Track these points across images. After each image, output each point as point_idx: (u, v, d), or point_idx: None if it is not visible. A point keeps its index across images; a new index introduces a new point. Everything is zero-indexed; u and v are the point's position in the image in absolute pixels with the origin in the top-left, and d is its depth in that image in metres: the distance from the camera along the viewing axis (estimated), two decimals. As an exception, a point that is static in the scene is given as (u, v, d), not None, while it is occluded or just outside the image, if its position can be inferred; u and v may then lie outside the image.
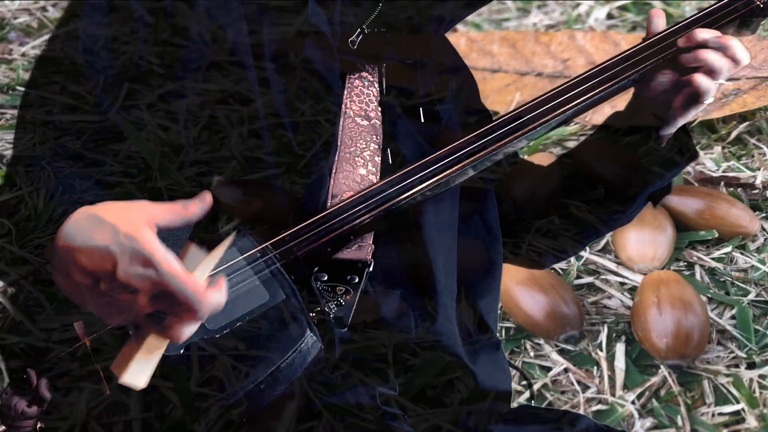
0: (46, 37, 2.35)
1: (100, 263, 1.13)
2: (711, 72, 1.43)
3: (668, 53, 1.45)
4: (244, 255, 1.32)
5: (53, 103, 1.54)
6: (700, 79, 1.43)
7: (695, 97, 1.45)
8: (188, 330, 1.17)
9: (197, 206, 1.21)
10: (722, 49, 1.43)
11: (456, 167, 1.40)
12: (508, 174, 1.80)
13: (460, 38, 2.48)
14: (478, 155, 1.41)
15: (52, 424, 1.27)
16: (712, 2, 1.50)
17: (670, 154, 1.52)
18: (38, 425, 1.26)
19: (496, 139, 1.42)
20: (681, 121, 1.49)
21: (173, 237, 1.20)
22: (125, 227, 1.13)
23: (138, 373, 1.17)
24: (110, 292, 1.13)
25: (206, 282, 1.16)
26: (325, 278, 1.37)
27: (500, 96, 2.31)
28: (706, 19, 1.48)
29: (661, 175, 1.53)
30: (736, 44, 1.44)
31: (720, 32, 1.44)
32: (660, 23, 1.49)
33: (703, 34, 1.44)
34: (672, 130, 1.50)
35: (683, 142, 1.53)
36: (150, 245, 1.13)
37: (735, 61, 1.44)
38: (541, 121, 1.42)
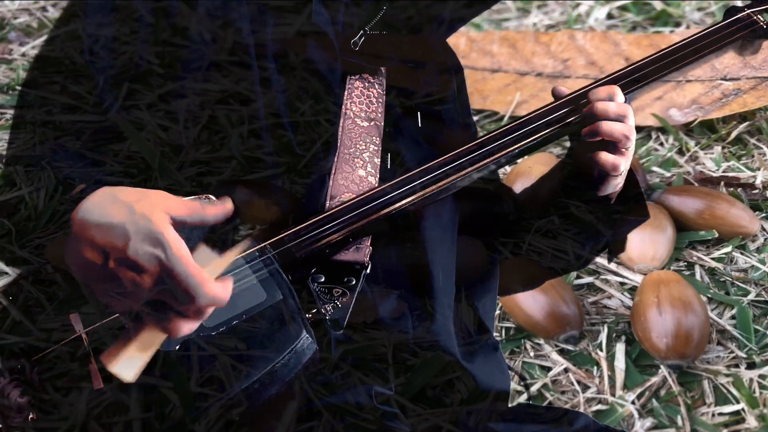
0: (46, 37, 2.35)
1: (112, 239, 1.14)
2: (611, 145, 1.42)
3: (572, 120, 1.44)
4: (243, 254, 1.32)
5: (53, 103, 1.54)
6: (604, 157, 1.42)
7: (604, 173, 1.45)
8: (186, 326, 1.17)
9: (216, 209, 1.21)
10: (620, 119, 1.41)
11: (458, 174, 1.41)
12: (508, 174, 1.80)
13: (460, 38, 2.48)
14: (480, 163, 1.41)
15: (52, 424, 1.27)
16: (715, 11, 1.50)
17: (615, 213, 1.52)
18: (30, 416, 1.26)
19: (499, 147, 1.42)
20: (607, 190, 1.48)
21: (186, 234, 1.20)
22: (141, 208, 1.14)
23: (128, 365, 1.17)
24: (118, 271, 1.14)
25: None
26: (322, 280, 1.37)
27: (500, 96, 2.31)
28: (708, 38, 1.49)
29: (606, 231, 1.54)
30: (630, 112, 1.41)
31: (619, 92, 1.42)
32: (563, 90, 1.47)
33: (599, 95, 1.42)
34: (612, 189, 1.49)
35: (632, 195, 1.53)
36: (162, 227, 1.14)
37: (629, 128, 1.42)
38: (545, 131, 1.43)
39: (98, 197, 1.17)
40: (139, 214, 1.14)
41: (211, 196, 1.32)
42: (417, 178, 1.40)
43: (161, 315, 1.16)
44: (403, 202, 1.39)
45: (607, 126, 1.40)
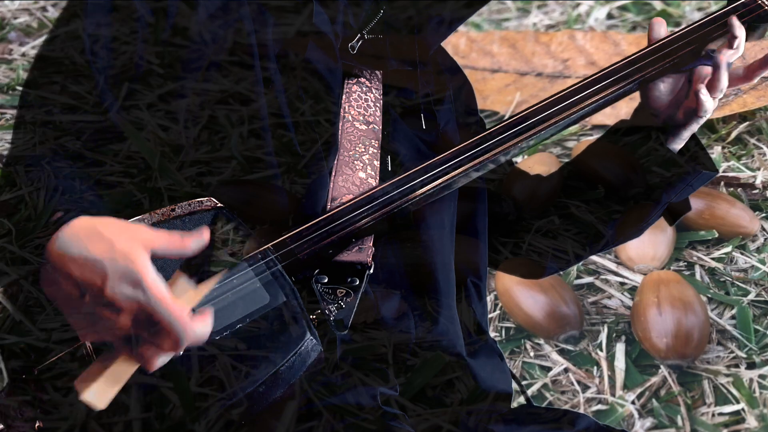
0: (46, 37, 2.35)
1: (91, 276, 1.13)
2: (714, 88, 1.43)
3: (674, 58, 1.45)
4: (245, 256, 1.31)
5: (53, 103, 1.54)
6: (703, 95, 1.43)
7: (694, 110, 1.45)
8: (162, 359, 1.17)
9: (195, 241, 1.20)
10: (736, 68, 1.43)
11: (458, 171, 1.40)
12: (508, 174, 1.80)
13: (460, 38, 2.48)
14: (480, 159, 1.41)
15: (52, 424, 1.26)
16: (716, 9, 1.50)
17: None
18: (37, 425, 1.26)
19: (500, 142, 1.42)
20: (685, 134, 1.49)
21: (164, 264, 1.20)
22: (121, 245, 1.14)
23: (100, 394, 1.16)
24: (94, 308, 1.14)
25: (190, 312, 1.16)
26: (326, 280, 1.37)
27: (500, 96, 2.31)
28: (712, 24, 1.48)
29: (672, 183, 1.53)
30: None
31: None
32: (661, 30, 1.48)
33: (741, 30, 1.43)
34: (677, 143, 1.50)
35: (697, 154, 1.52)
36: (142, 267, 1.13)
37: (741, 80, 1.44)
38: (545, 125, 1.42)
39: (77, 229, 1.16)
40: (118, 251, 1.13)
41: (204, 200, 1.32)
42: (417, 176, 1.40)
43: (137, 347, 1.16)
44: (405, 199, 1.39)
45: (724, 74, 1.42)
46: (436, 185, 1.40)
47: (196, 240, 1.20)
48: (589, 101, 1.43)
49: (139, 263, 1.13)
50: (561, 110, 1.43)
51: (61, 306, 1.16)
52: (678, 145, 1.50)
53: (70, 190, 1.43)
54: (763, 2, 1.49)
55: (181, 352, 1.18)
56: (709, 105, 1.43)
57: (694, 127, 1.48)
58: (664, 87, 1.46)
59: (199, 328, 1.15)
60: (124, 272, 1.13)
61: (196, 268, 1.27)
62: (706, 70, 1.43)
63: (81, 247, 1.14)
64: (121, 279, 1.13)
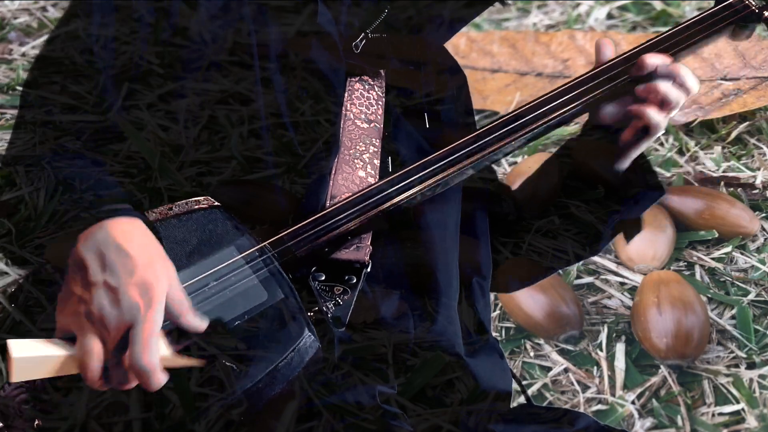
0: (46, 37, 2.35)
1: (116, 264, 1.17)
2: (662, 103, 1.42)
3: (618, 82, 1.44)
4: (243, 254, 1.32)
5: (53, 103, 1.54)
6: (651, 112, 1.42)
7: (645, 129, 1.44)
8: (101, 383, 1.18)
9: (193, 324, 1.22)
10: (673, 78, 1.41)
11: (455, 168, 1.40)
12: (508, 174, 1.80)
13: (460, 38, 2.48)
14: (476, 156, 1.41)
15: (52, 424, 1.27)
16: (708, 8, 1.50)
17: (630, 186, 1.51)
18: (36, 423, 1.26)
19: (495, 140, 1.42)
20: (633, 154, 1.48)
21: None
22: (158, 264, 1.19)
23: (24, 364, 1.15)
24: (87, 312, 1.16)
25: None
26: (323, 278, 1.37)
27: (500, 96, 2.31)
28: (700, 25, 1.48)
29: (624, 206, 1.53)
30: (687, 72, 1.41)
31: (670, 58, 1.42)
32: (608, 53, 1.47)
33: (653, 59, 1.42)
34: (625, 163, 1.49)
35: (643, 175, 1.52)
36: (159, 293, 1.17)
37: (686, 90, 1.41)
38: (539, 122, 1.42)
39: (130, 225, 1.21)
40: (151, 267, 1.17)
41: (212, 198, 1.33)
42: (414, 173, 1.40)
43: (93, 351, 1.17)
44: (402, 197, 1.39)
45: (663, 84, 1.40)
46: (432, 183, 1.40)
47: (195, 325, 1.22)
48: (582, 99, 1.44)
49: (160, 289, 1.17)
50: (556, 107, 1.43)
51: (67, 286, 1.18)
52: (624, 164, 1.49)
53: (70, 190, 1.43)
54: (750, 3, 1.50)
55: (127, 388, 1.19)
56: (663, 122, 1.42)
57: (642, 147, 1.47)
58: (610, 106, 1.45)
59: (159, 382, 1.17)
60: (143, 282, 1.16)
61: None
62: (654, 86, 1.41)
63: (125, 240, 1.18)
64: (137, 285, 1.16)
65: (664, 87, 1.41)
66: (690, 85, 1.41)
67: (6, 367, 1.16)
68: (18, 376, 1.16)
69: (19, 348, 1.15)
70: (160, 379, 1.17)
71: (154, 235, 1.24)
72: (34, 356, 1.16)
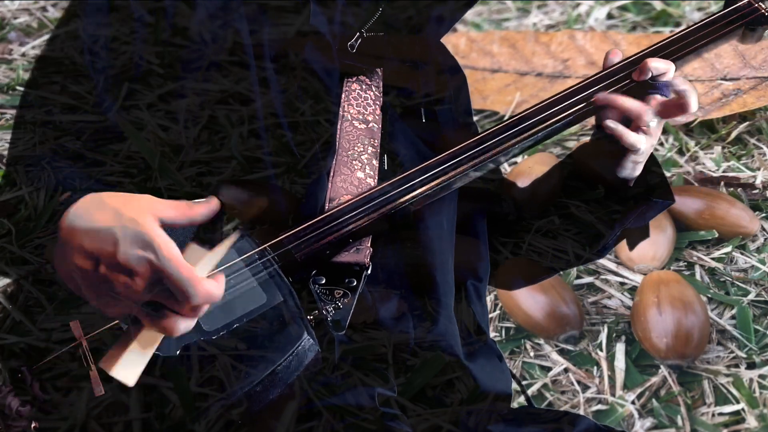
0: (46, 37, 2.35)
1: (102, 244, 1.14)
2: (638, 119, 1.40)
3: (622, 86, 1.43)
4: (243, 256, 1.31)
5: (53, 103, 1.54)
6: (623, 131, 1.40)
7: (622, 149, 1.43)
8: (183, 324, 1.17)
9: (203, 207, 1.21)
10: (665, 92, 1.39)
11: (457, 170, 1.40)
12: (508, 174, 1.80)
13: (460, 38, 2.48)
14: (479, 159, 1.41)
15: (52, 424, 1.27)
16: (716, 10, 1.49)
17: (638, 191, 1.51)
18: (33, 425, 1.26)
19: (498, 143, 1.41)
20: (640, 160, 1.47)
21: (175, 235, 1.20)
22: (129, 212, 1.14)
23: (128, 368, 1.16)
24: (109, 275, 1.14)
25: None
26: (323, 281, 1.37)
27: (500, 96, 2.31)
28: (709, 27, 1.47)
29: (631, 214, 1.52)
30: (690, 91, 1.40)
31: (672, 64, 1.41)
32: (616, 61, 1.47)
33: (656, 63, 1.41)
34: (630, 170, 1.48)
35: (654, 181, 1.51)
36: (151, 230, 1.14)
37: (684, 109, 1.40)
38: (544, 125, 1.42)
39: (85, 203, 1.16)
40: (126, 218, 1.14)
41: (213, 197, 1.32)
42: (416, 176, 1.40)
43: (157, 315, 1.16)
44: (403, 200, 1.39)
45: (622, 99, 1.39)
46: (435, 185, 1.40)
47: (205, 206, 1.21)
48: (587, 103, 1.43)
49: (148, 226, 1.14)
50: (560, 111, 1.43)
51: (78, 284, 1.16)
52: (630, 171, 1.48)
53: (70, 190, 1.43)
54: (760, 5, 1.49)
55: (200, 314, 1.17)
56: (640, 140, 1.41)
57: (642, 156, 1.46)
58: (616, 111, 1.44)
59: (211, 286, 1.15)
60: (134, 235, 1.13)
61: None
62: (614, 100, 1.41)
63: (90, 219, 1.15)
64: (132, 243, 1.13)
65: (631, 104, 1.40)
66: (691, 103, 1.39)
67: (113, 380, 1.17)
68: (131, 381, 1.16)
69: (121, 370, 1.16)
70: (207, 283, 1.15)
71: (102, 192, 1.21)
72: (127, 362, 1.17)
